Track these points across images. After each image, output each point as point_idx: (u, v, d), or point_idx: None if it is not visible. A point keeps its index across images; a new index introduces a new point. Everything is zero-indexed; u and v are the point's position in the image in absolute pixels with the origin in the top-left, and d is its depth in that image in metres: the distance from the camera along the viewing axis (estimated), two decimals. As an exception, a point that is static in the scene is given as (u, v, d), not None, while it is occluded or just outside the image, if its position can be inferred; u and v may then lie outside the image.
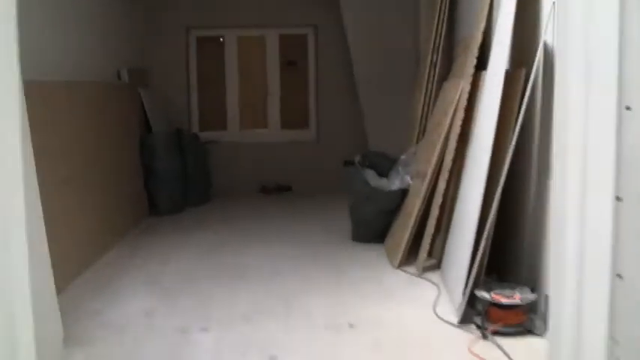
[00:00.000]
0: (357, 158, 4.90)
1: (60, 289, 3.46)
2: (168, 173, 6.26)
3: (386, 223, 4.95)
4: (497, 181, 3.51)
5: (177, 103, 7.57)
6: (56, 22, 4.66)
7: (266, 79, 7.77)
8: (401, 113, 6.40)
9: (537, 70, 3.41)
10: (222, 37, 7.71)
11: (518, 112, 3.45)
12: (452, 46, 5.42)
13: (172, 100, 7.50)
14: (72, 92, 4.60)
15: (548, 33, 3.35)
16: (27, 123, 2.84)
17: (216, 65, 7.72)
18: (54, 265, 3.14)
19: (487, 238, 3.57)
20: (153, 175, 6.22)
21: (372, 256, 4.81)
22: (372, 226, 4.99)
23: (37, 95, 3.84)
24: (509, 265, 3.95)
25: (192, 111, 7.74)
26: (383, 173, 4.77)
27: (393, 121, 6.59)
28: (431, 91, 5.20)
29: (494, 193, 3.51)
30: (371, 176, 4.63)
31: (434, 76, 5.20)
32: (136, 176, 6.08)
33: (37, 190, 2.94)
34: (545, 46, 3.41)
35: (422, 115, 5.25)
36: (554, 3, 3.18)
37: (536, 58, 3.37)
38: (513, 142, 3.40)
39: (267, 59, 7.73)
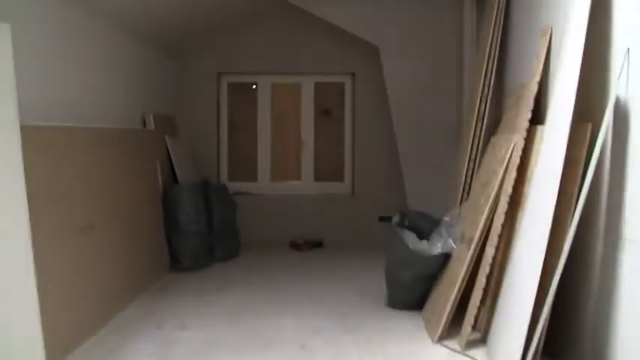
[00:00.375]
0: (396, 218, 4.47)
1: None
2: (192, 226, 5.90)
3: (425, 289, 4.47)
4: (557, 251, 3.06)
5: (207, 151, 7.33)
6: (79, 66, 4.47)
7: (300, 129, 7.49)
8: (443, 169, 6.02)
9: (607, 127, 2.97)
10: (255, 84, 7.48)
11: (584, 174, 3.02)
12: (501, 97, 5.01)
13: (201, 148, 7.27)
14: (91, 138, 4.33)
15: (620, 84, 2.92)
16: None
17: (247, 113, 7.48)
18: (55, 329, 2.79)
19: (545, 317, 3.11)
20: (176, 228, 5.87)
21: (410, 327, 4.31)
22: (409, 293, 4.51)
23: (54, 141, 3.64)
24: (568, 343, 3.45)
25: (222, 160, 7.48)
26: (423, 235, 4.33)
27: (434, 177, 6.21)
28: (477, 146, 4.77)
29: (553, 265, 3.07)
30: (410, 238, 4.19)
31: (481, 129, 4.78)
32: (157, 228, 5.74)
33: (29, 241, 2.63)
34: (617, 99, 2.97)
35: (467, 173, 4.81)
36: (628, 50, 2.79)
37: (606, 113, 2.93)
38: (579, 210, 2.95)
39: (301, 108, 7.47)
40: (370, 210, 7.21)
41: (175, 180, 6.24)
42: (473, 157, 4.76)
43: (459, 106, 6.30)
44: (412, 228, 4.39)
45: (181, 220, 5.84)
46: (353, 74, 7.34)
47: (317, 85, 7.46)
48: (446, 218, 4.17)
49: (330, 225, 7.26)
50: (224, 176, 7.47)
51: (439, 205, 5.43)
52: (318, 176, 7.49)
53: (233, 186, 7.28)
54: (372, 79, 7.14)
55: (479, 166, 4.68)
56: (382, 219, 7.26)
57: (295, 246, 7.05)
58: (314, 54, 7.23)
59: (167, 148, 6.23)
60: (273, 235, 7.22)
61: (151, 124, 5.93)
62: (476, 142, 4.74)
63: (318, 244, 7.16)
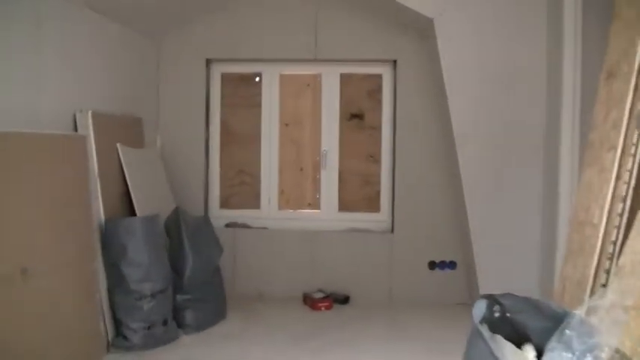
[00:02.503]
0: (480, 307, 2.41)
1: None
2: (145, 283, 3.95)
3: None
4: None
5: (190, 168, 5.44)
6: None
7: (319, 139, 5.52)
8: (540, 201, 4.11)
9: None
10: (258, 75, 5.56)
11: None
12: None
13: (182, 164, 5.41)
14: None
15: None
16: None
17: (248, 115, 5.56)
18: None
19: None
20: (120, 284, 3.97)
21: None
22: None
23: None
24: None
25: (212, 180, 5.58)
26: (527, 338, 2.39)
27: (522, 213, 4.31)
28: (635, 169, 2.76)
29: None
30: (507, 350, 2.25)
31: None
32: (88, 286, 3.81)
33: None
34: None
35: (610, 224, 2.80)
36: None
37: None
38: None
39: (322, 109, 5.51)
40: (417, 253, 5.28)
41: (132, 211, 4.47)
42: (624, 191, 2.78)
43: (552, 111, 4.36)
44: (508, 323, 2.42)
45: (128, 274, 3.91)
46: (394, 62, 5.37)
47: (343, 78, 5.50)
48: (576, 313, 2.20)
49: (360, 273, 5.32)
50: (214, 202, 5.58)
51: (532, 268, 3.53)
52: (345, 205, 5.52)
53: (227, 215, 5.50)
54: (421, 70, 5.22)
55: None
56: (434, 265, 5.36)
57: (311, 302, 5.09)
58: (339, 35, 5.31)
59: (120, 162, 4.46)
60: (281, 286, 5.35)
61: (87, 127, 4.04)
62: (629, 163, 2.75)
63: (342, 300, 5.18)
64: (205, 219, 4.87)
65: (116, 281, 3.96)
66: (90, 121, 4.07)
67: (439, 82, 4.83)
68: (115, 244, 3.96)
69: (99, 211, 4.08)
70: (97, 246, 3.99)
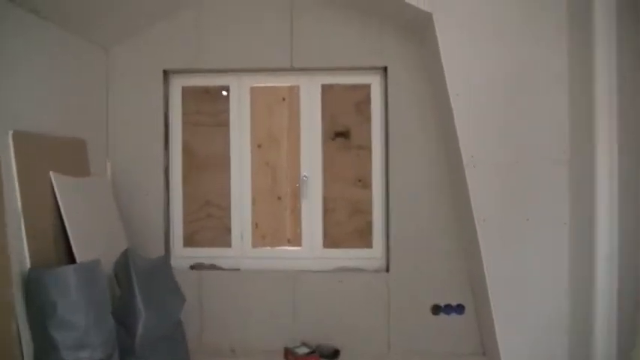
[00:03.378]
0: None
1: None
2: (82, 351, 3.07)
3: None
4: None
5: (148, 198, 4.60)
6: None
7: (299, 161, 4.72)
8: (569, 236, 3.39)
9: None
10: (225, 88, 4.75)
11: None
12: None
13: (138, 193, 4.58)
14: None
15: None
16: None
17: (214, 135, 4.76)
18: None
19: None
20: (51, 354, 3.09)
21: None
22: None
23: None
24: None
25: (173, 214, 4.73)
26: None
27: (548, 249, 3.62)
28: None
29: None
30: None
31: None
32: (3, 357, 3.02)
33: None
34: None
35: None
36: None
37: None
38: None
39: (301, 127, 4.71)
40: (417, 295, 4.49)
41: (71, 255, 3.64)
42: None
43: (579, 125, 3.63)
44: None
45: (59, 339, 3.07)
46: (384, 70, 4.62)
47: (325, 90, 4.72)
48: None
49: (352, 322, 4.51)
50: (177, 240, 4.72)
51: (560, 316, 2.81)
52: (331, 240, 4.69)
53: (192, 255, 4.67)
54: (417, 78, 4.49)
55: None
56: (439, 310, 4.61)
57: (294, 359, 4.30)
58: (319, 39, 4.55)
59: (54, 195, 3.66)
60: (257, 339, 4.51)
61: (7, 151, 3.22)
62: None
63: (331, 355, 4.32)
64: (164, 261, 4.03)
65: (44, 348, 3.11)
66: (10, 142, 3.25)
67: (440, 91, 4.11)
68: (42, 301, 3.12)
69: (22, 256, 3.25)
70: (18, 302, 3.17)
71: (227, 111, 4.75)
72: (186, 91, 4.77)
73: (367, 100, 4.70)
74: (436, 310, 4.53)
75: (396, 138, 4.53)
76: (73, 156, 4.01)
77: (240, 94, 4.73)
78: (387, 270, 4.57)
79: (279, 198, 4.77)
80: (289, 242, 4.77)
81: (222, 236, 4.75)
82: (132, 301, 3.52)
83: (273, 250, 4.74)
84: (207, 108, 4.79)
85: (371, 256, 4.65)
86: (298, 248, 4.71)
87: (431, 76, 4.40)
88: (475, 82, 3.89)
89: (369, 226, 4.68)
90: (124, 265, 3.60)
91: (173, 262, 4.67)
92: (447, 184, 4.45)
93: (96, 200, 4.05)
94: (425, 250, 4.50)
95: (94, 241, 3.77)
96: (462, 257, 4.45)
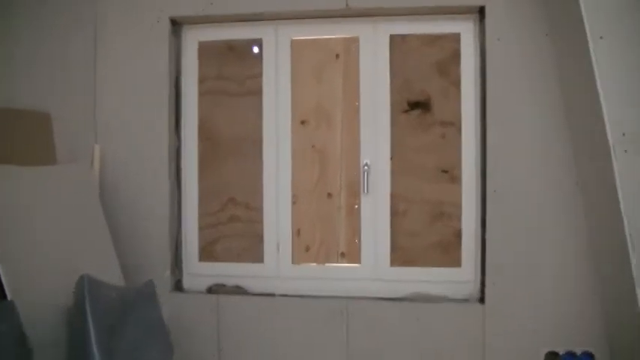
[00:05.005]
0: None
1: None
2: None
3: None
4: None
5: (151, 196, 3.39)
6: None
7: (357, 144, 3.40)
8: None
9: None
10: (256, 43, 3.48)
11: None
12: None
13: (137, 189, 3.39)
14: None
15: None
16: None
17: (242, 109, 3.50)
18: None
19: None
20: None
21: None
22: None
23: None
24: None
25: (186, 215, 3.51)
26: None
27: None
28: None
29: None
30: None
31: None
32: None
33: None
34: None
35: None
36: None
37: None
38: None
39: (360, 95, 3.38)
40: (525, 337, 3.12)
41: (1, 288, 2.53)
42: None
43: None
44: None
45: None
46: (480, 12, 3.24)
47: (396, 44, 3.37)
48: None
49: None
50: (190, 253, 3.51)
51: None
52: (402, 255, 3.37)
53: (210, 273, 3.46)
54: (528, 23, 3.10)
55: None
56: (552, 357, 3.29)
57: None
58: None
59: None
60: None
61: None
62: None
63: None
64: (147, 291, 2.79)
65: None
66: None
67: (570, 39, 2.76)
68: None
69: None
70: None
71: (259, 75, 3.46)
72: (204, 49, 3.52)
73: (455, 58, 3.32)
74: (552, 358, 3.23)
75: (497, 111, 3.15)
76: (26, 136, 2.90)
77: (277, 50, 3.45)
78: (482, 300, 3.20)
79: (330, 195, 3.45)
80: (343, 257, 3.45)
81: (250, 247, 3.50)
82: (86, 351, 2.40)
83: (320, 268, 3.45)
84: (233, 71, 3.51)
85: (459, 278, 3.30)
86: (356, 266, 3.40)
87: (552, 18, 3.06)
88: (626, 20, 2.55)
89: (456, 236, 3.32)
90: (77, 299, 2.44)
91: (185, 281, 3.51)
92: (579, 180, 3.11)
93: (63, 200, 2.89)
94: (538, 273, 3.13)
95: (47, 264, 2.63)
96: (597, 286, 3.07)
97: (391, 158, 3.37)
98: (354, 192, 3.43)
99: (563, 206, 3.14)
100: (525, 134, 3.16)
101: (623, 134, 2.55)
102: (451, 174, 3.33)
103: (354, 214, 3.43)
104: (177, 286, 3.54)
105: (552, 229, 3.15)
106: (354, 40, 3.42)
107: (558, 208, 3.14)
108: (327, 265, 3.45)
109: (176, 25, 3.50)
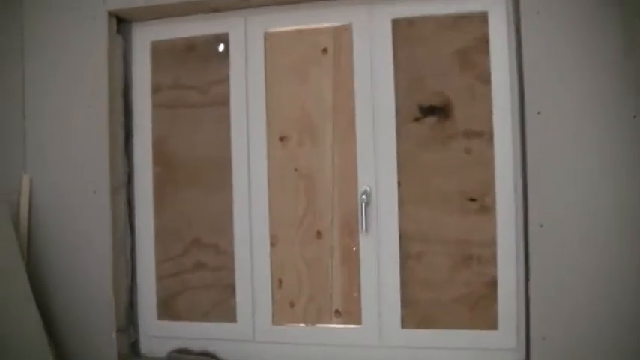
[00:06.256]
0: None
1: None
2: None
3: None
4: None
5: (93, 237, 2.65)
6: None
7: (354, 166, 2.56)
8: None
9: None
10: (221, 39, 2.70)
11: None
12: None
13: (75, 228, 2.67)
14: None
15: None
16: None
17: (204, 124, 2.72)
18: None
19: None
20: None
21: None
22: None
23: None
24: None
25: (141, 263, 2.77)
26: None
27: None
28: None
29: None
30: None
31: None
32: None
33: None
34: None
35: None
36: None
37: None
38: None
39: (355, 99, 2.56)
40: None
41: None
42: None
43: None
44: None
45: None
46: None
47: (401, 30, 2.54)
48: None
49: None
50: (147, 308, 2.75)
51: None
52: (416, 312, 2.50)
53: (170, 334, 2.69)
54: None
55: None
56: None
57: None
58: None
59: None
60: None
61: None
62: None
63: None
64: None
65: None
66: None
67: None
68: None
69: None
70: None
71: (226, 80, 2.70)
72: (158, 50, 2.79)
73: (481, 45, 2.47)
74: None
75: (541, 114, 2.32)
76: None
77: (247, 47, 2.68)
78: (530, 376, 2.43)
79: (320, 234, 2.63)
80: (339, 316, 2.61)
81: (220, 302, 2.72)
82: None
83: (309, 330, 2.62)
84: (194, 77, 2.76)
85: (495, 345, 2.40)
86: (356, 327, 2.55)
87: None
88: None
89: (490, 286, 2.44)
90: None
91: (143, 344, 2.77)
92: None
93: None
94: (607, 338, 2.30)
95: None
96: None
97: (399, 183, 2.53)
98: (351, 229, 2.59)
99: (637, 241, 2.30)
100: (582, 145, 2.28)
101: None
102: (481, 203, 2.46)
103: (351, 259, 2.59)
104: (134, 350, 2.80)
105: (623, 274, 2.25)
106: (346, 29, 2.61)
107: (631, 245, 2.28)
108: (317, 326, 2.61)
109: (122, 22, 2.78)
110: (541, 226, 2.31)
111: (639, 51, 2.20)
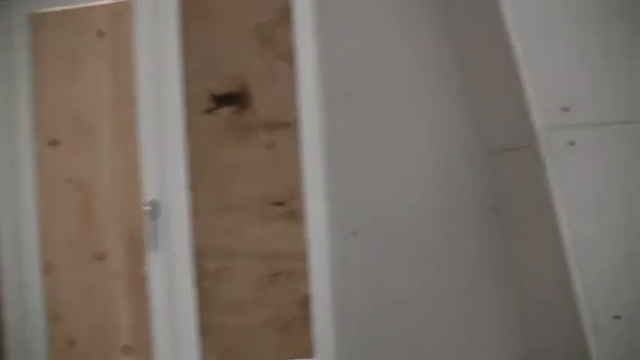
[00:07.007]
0: None
1: None
2: None
3: None
4: None
5: None
6: None
7: (136, 172, 2.11)
8: None
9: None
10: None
11: None
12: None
13: None
14: None
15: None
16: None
17: None
18: None
19: None
20: None
21: None
22: None
23: None
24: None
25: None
26: None
27: None
28: None
29: None
30: None
31: None
32: None
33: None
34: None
35: None
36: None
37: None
38: None
39: (139, 90, 2.11)
40: None
41: None
42: None
43: None
44: None
45: None
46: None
47: (188, 1, 2.09)
48: None
49: None
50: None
51: None
52: (218, 343, 2.03)
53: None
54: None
55: None
56: None
57: None
58: None
59: None
60: None
61: None
62: None
63: None
64: None
65: None
66: None
67: None
68: None
69: None
70: None
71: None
72: None
73: (285, 19, 2.10)
74: None
75: (349, 97, 1.98)
76: None
77: (7, 34, 2.23)
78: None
79: (102, 256, 2.19)
80: (128, 353, 2.15)
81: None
82: None
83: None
84: None
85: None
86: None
87: None
88: None
89: (302, 306, 2.05)
90: None
91: None
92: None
93: None
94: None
95: None
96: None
97: (191, 188, 2.11)
98: (138, 247, 2.14)
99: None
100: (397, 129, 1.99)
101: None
102: (288, 207, 2.06)
103: (139, 284, 2.14)
104: None
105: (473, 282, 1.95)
106: (126, 7, 2.18)
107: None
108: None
109: None
110: (355, 233, 1.97)
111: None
